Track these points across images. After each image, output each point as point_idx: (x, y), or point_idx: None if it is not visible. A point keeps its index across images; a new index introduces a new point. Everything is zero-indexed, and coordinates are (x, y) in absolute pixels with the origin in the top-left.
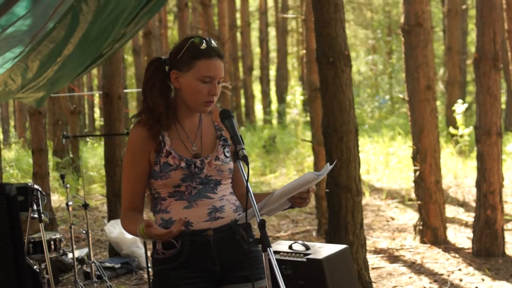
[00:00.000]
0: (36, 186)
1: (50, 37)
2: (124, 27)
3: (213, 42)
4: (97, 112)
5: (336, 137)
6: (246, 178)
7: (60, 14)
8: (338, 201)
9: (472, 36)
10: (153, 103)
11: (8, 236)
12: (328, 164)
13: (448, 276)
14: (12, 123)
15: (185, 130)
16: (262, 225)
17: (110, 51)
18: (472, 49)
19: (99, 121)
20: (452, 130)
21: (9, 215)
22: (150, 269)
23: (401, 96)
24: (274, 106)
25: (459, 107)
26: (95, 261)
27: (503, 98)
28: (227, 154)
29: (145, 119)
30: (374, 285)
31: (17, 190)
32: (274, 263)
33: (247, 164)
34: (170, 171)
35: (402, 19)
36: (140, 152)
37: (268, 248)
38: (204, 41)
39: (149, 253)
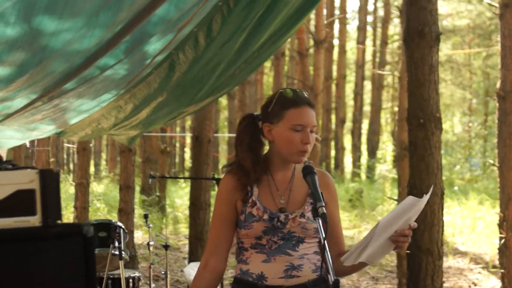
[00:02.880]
0: (119, 224)
1: (146, 82)
2: (221, 79)
3: (302, 92)
4: (187, 152)
5: None
6: (324, 236)
7: (157, 62)
8: (418, 263)
9: None
10: (242, 157)
11: (82, 274)
12: (424, 194)
13: None
14: (104, 156)
15: (275, 182)
16: (336, 285)
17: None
18: None
19: (189, 162)
20: None
21: (85, 255)
22: None
23: (491, 161)
24: (364, 160)
25: None
26: None
27: None
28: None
29: (235, 170)
30: None
31: (100, 226)
32: None
33: (326, 222)
34: (253, 222)
35: (498, 84)
36: (227, 201)
37: None
38: (292, 91)
39: None
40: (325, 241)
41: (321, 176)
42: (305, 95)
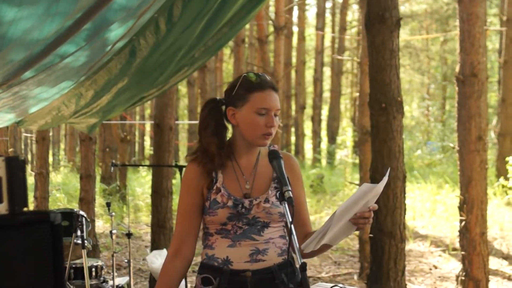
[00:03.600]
0: (81, 212)
1: (106, 68)
2: (182, 63)
3: (265, 76)
4: (147, 141)
5: None
6: (291, 220)
7: (118, 48)
8: (381, 246)
9: None
10: (206, 142)
11: (50, 262)
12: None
13: None
14: (62, 146)
15: (240, 167)
16: (303, 268)
17: (168, 84)
18: None
19: (148, 150)
20: (502, 181)
21: (52, 243)
22: None
23: (451, 145)
24: (324, 145)
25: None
26: None
27: None
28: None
29: (199, 157)
30: None
31: (62, 215)
32: None
33: (292, 206)
34: (218, 209)
35: (457, 69)
36: (192, 188)
37: None
38: (256, 75)
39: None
40: (292, 225)
41: (286, 159)
42: (268, 79)
